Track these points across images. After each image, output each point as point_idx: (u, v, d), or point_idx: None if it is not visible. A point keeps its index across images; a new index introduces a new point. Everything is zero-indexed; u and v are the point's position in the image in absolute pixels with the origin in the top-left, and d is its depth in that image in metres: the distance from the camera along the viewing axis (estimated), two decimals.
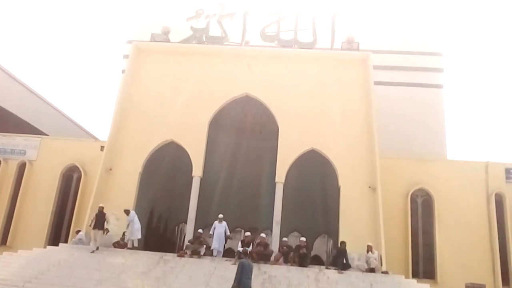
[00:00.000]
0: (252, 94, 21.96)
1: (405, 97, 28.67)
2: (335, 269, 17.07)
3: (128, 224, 18.68)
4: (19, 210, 23.00)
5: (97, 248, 17.83)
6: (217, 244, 18.64)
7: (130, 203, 20.23)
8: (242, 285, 12.77)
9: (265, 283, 15.28)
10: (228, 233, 19.20)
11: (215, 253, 18.47)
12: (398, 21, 30.68)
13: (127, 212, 18.71)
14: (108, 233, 18.33)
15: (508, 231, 21.66)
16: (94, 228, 17.99)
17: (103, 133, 49.65)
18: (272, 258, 17.85)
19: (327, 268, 17.70)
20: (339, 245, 17.90)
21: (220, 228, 18.89)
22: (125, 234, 18.89)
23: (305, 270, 16.66)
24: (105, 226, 18.12)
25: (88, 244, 18.91)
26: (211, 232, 18.91)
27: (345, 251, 17.49)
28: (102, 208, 18.20)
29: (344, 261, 17.21)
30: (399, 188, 21.96)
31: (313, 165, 21.61)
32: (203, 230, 19.48)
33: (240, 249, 17.59)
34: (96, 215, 18.10)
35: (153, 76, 22.61)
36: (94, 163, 22.07)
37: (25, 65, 72.88)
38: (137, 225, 18.87)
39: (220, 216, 19.10)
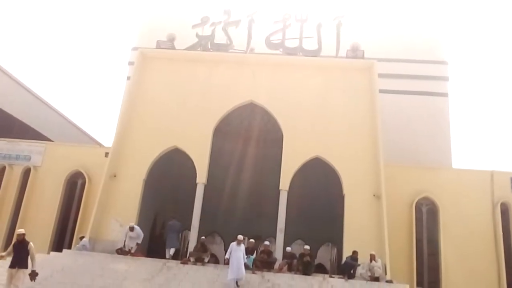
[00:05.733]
0: (257, 102, 21.96)
1: (410, 105, 28.62)
2: (340, 278, 17.00)
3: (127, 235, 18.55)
4: (23, 215, 22.99)
5: None
6: (235, 271, 15.12)
7: (134, 209, 20.27)
8: (168, 241, 17.40)
9: None
10: (245, 259, 15.99)
11: (232, 285, 15.10)
12: (403, 29, 30.69)
13: (131, 228, 18.44)
14: (36, 278, 11.93)
15: None
16: (11, 266, 11.94)
17: (107, 139, 49.70)
18: (276, 266, 17.78)
19: (331, 276, 17.63)
20: (351, 254, 17.65)
21: (238, 251, 15.54)
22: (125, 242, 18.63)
23: (308, 278, 16.56)
24: (31, 265, 11.93)
25: (92, 250, 18.91)
26: (227, 257, 15.78)
27: (357, 260, 17.40)
28: (23, 235, 12.13)
29: (352, 271, 17.13)
30: (404, 197, 21.82)
31: (318, 173, 21.55)
32: (206, 237, 19.42)
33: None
34: (14, 246, 12.10)
35: (158, 82, 22.66)
36: (98, 169, 22.03)
37: (30, 71, 73.37)
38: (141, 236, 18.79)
39: (240, 237, 16.02)
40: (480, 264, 21.04)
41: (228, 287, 15.05)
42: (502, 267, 20.98)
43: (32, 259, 11.92)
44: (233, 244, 15.82)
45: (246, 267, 15.96)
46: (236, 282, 15.09)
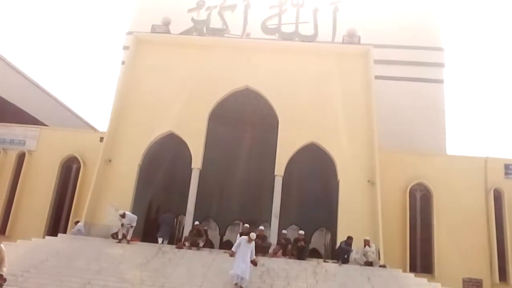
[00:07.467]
0: (253, 87, 21.87)
1: (406, 91, 28.55)
2: (334, 262, 17.15)
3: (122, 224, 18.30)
4: (18, 200, 23.00)
5: None
6: (241, 267, 13.91)
7: (129, 194, 20.28)
8: (161, 231, 18.98)
9: (263, 275, 15.31)
10: (254, 256, 14.61)
11: (235, 279, 13.97)
12: (399, 15, 30.50)
13: (122, 215, 18.05)
14: (3, 284, 10.59)
15: (506, 227, 21.66)
16: None
17: (102, 124, 49.59)
18: (271, 250, 17.89)
19: (325, 261, 17.78)
20: (346, 239, 17.78)
21: (246, 248, 14.31)
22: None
23: (303, 263, 16.73)
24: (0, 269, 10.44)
25: (87, 234, 18.93)
26: (233, 249, 14.48)
27: (351, 245, 17.54)
28: None
29: (346, 256, 17.29)
30: (398, 183, 21.95)
31: (313, 159, 21.59)
32: (201, 222, 19.50)
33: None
34: None
35: (153, 67, 22.51)
36: (93, 154, 21.98)
37: (25, 56, 72.72)
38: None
39: (253, 235, 14.65)
40: (473, 249, 21.25)
41: (231, 280, 14.12)
42: (494, 252, 21.19)
43: (2, 263, 10.67)
44: (244, 238, 14.57)
45: None
46: (240, 286, 14.03)
